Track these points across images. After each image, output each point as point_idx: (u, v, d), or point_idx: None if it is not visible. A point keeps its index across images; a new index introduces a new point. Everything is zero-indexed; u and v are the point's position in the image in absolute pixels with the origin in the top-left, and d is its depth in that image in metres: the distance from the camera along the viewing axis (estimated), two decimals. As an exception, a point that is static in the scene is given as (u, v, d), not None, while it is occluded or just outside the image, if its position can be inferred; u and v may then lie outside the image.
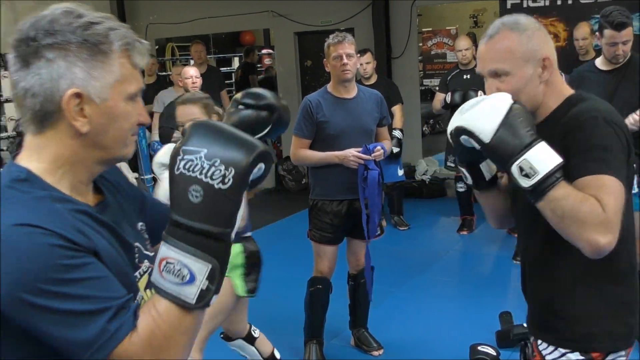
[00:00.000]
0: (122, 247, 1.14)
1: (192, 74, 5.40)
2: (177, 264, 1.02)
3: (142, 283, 1.21)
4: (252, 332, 3.15)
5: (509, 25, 1.69)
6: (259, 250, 2.88)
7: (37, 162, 1.09)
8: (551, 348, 1.75)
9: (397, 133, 5.73)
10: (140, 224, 1.28)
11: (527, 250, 1.84)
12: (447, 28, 9.16)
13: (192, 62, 8.66)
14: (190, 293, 1.02)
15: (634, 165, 1.67)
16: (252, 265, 2.82)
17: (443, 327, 4.06)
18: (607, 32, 3.51)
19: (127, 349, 1.00)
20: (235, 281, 2.77)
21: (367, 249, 3.55)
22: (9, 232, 0.98)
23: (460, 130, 1.59)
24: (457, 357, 3.51)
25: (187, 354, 1.07)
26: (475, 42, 6.24)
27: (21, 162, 1.11)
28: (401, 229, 6.26)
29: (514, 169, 1.52)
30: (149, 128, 6.18)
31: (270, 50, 10.74)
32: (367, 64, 5.68)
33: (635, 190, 3.57)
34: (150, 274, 1.19)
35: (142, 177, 5.93)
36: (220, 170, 1.01)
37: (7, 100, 6.60)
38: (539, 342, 1.79)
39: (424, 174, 7.69)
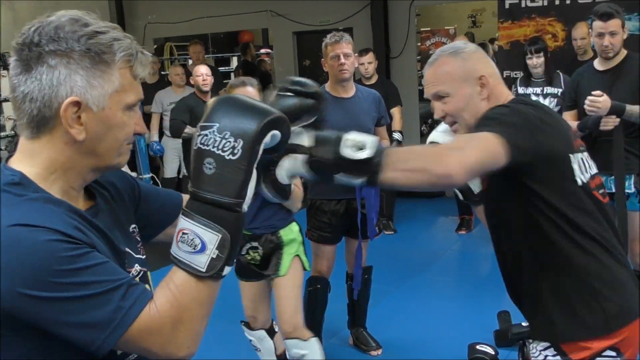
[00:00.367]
0: (112, 252, 1.15)
1: (203, 72, 5.43)
2: (191, 234, 1.05)
3: None
4: (274, 326, 3.18)
5: (447, 51, 1.84)
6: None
7: (30, 167, 1.10)
8: (536, 347, 1.82)
9: (397, 135, 5.65)
10: (132, 226, 1.28)
11: (498, 262, 1.94)
12: (445, 28, 9.13)
13: (190, 62, 8.66)
14: (201, 262, 1.05)
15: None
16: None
17: (441, 326, 4.06)
18: (595, 23, 3.58)
19: (147, 323, 1.03)
20: (302, 257, 2.98)
21: (359, 248, 3.53)
22: (7, 233, 0.99)
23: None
24: (456, 356, 3.51)
25: (204, 327, 1.09)
26: (473, 42, 6.23)
27: (14, 166, 1.11)
28: (386, 232, 6.06)
29: (347, 151, 1.28)
30: (148, 128, 6.18)
31: (269, 50, 10.73)
32: (369, 63, 5.65)
33: (631, 190, 3.59)
34: (141, 278, 1.22)
35: (141, 176, 5.94)
36: (230, 142, 1.04)
37: (5, 100, 6.60)
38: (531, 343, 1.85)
39: (422, 174, 7.66)
